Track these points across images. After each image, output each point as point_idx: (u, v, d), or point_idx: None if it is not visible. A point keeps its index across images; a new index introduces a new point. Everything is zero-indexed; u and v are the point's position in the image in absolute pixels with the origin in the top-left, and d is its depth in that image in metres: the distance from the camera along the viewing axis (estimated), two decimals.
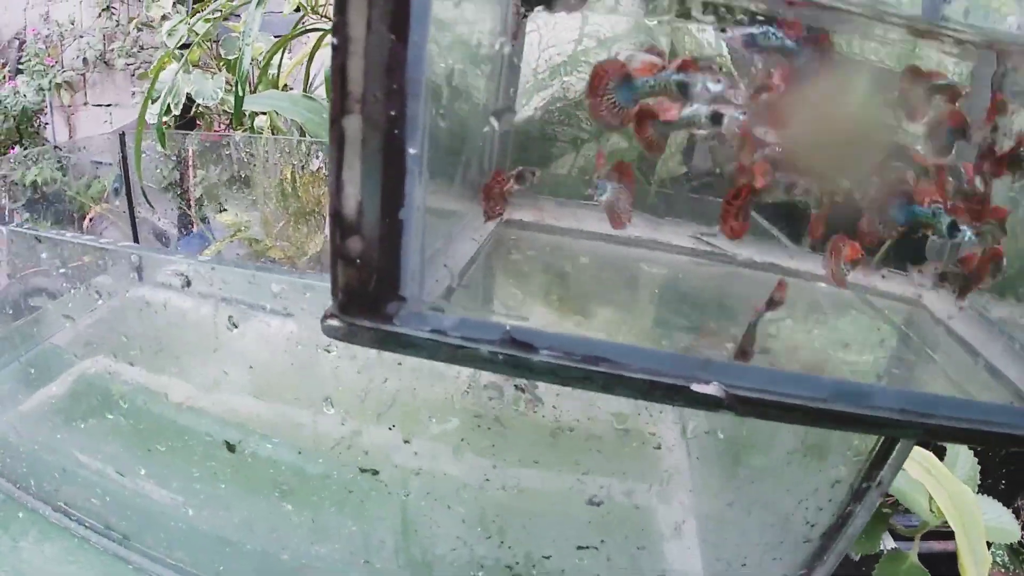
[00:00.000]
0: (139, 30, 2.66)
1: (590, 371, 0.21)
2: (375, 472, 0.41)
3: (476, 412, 0.39)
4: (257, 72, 1.26)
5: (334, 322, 0.22)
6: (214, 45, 1.43)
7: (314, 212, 1.08)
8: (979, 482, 0.69)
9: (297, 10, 1.21)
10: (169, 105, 1.11)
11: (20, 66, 2.84)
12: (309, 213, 1.08)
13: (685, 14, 0.28)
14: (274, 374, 0.44)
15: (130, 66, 2.71)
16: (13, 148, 2.61)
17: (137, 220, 1.16)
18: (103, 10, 2.71)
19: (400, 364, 0.38)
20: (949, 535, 0.59)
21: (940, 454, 0.65)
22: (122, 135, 1.08)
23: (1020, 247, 0.28)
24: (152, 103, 1.09)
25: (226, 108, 1.51)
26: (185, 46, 1.22)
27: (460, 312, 0.22)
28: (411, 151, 0.20)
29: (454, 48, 0.29)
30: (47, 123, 2.88)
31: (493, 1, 0.32)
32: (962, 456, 0.70)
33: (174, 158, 1.12)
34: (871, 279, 0.31)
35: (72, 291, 0.48)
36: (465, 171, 0.34)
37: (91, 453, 0.54)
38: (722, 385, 0.20)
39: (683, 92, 0.24)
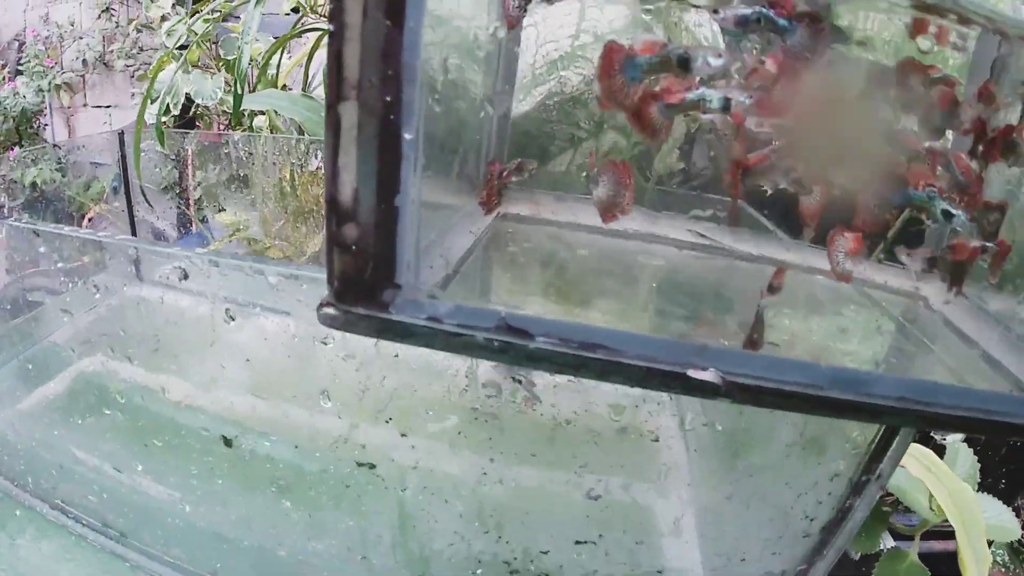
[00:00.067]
0: (138, 31, 2.67)
1: (586, 358, 0.21)
2: (372, 466, 0.41)
3: (474, 407, 0.39)
4: (256, 72, 1.26)
5: (330, 310, 0.22)
6: (213, 46, 1.43)
7: (313, 212, 1.08)
8: (979, 480, 0.69)
9: (296, 11, 1.21)
10: (168, 105, 1.11)
11: (20, 67, 2.84)
12: (308, 213, 1.08)
13: None
14: (271, 368, 0.44)
15: (129, 67, 2.72)
16: (12, 149, 2.62)
17: (136, 220, 1.16)
18: (103, 11, 2.71)
19: (397, 356, 0.38)
20: (949, 535, 0.59)
21: (940, 452, 0.65)
22: (121, 134, 1.08)
23: (1019, 239, 0.28)
24: (151, 103, 1.09)
25: (225, 108, 1.51)
26: (184, 47, 1.22)
27: (456, 301, 0.22)
28: (407, 136, 0.20)
29: (450, 36, 0.29)
30: (46, 124, 2.88)
31: None
32: (962, 454, 0.70)
33: (173, 158, 1.12)
34: (870, 271, 0.31)
35: (71, 285, 0.47)
36: (462, 165, 0.34)
37: (89, 450, 0.54)
38: (719, 372, 0.20)
39: (684, 67, 0.24)
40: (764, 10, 0.23)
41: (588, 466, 0.39)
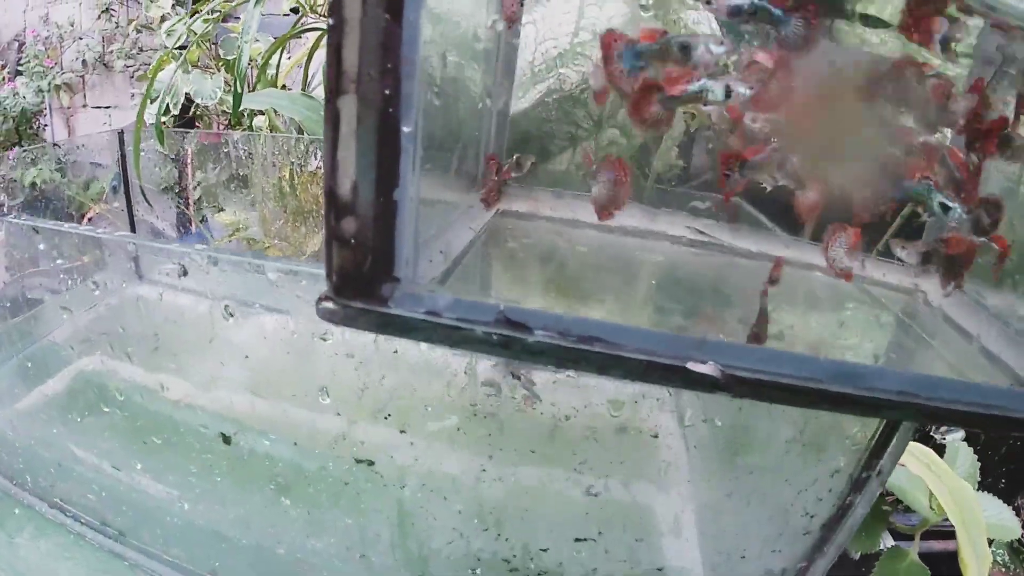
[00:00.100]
0: (138, 32, 2.67)
1: (585, 351, 0.21)
2: (371, 463, 0.40)
3: (472, 401, 0.39)
4: (255, 72, 1.26)
5: (329, 305, 0.22)
6: (213, 46, 1.43)
7: (312, 211, 1.08)
8: (979, 480, 0.69)
9: (295, 11, 1.22)
10: (168, 105, 1.11)
11: (19, 67, 2.84)
12: (307, 212, 1.08)
13: None
14: (270, 366, 0.44)
15: (129, 68, 2.72)
16: (12, 150, 2.62)
17: (136, 220, 1.15)
18: (102, 12, 2.72)
19: (396, 352, 0.38)
20: (949, 535, 0.59)
21: (940, 452, 0.65)
22: (120, 133, 1.08)
23: (1018, 237, 0.28)
24: (151, 103, 1.09)
25: (225, 108, 1.51)
26: (184, 47, 1.22)
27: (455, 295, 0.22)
28: (405, 130, 0.20)
29: (449, 30, 0.29)
30: (46, 125, 2.88)
31: None
32: (962, 453, 0.70)
33: (172, 157, 1.12)
34: (870, 268, 0.31)
35: (70, 282, 0.47)
36: (461, 162, 0.34)
37: (87, 448, 0.54)
38: (718, 365, 0.20)
39: (686, 55, 0.24)
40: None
41: (587, 463, 0.39)
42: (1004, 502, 0.66)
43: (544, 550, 0.40)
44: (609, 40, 0.25)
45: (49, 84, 2.79)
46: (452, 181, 0.33)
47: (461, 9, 0.31)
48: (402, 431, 0.40)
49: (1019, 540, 0.68)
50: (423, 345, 0.41)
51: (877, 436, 0.31)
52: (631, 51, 0.24)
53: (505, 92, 0.36)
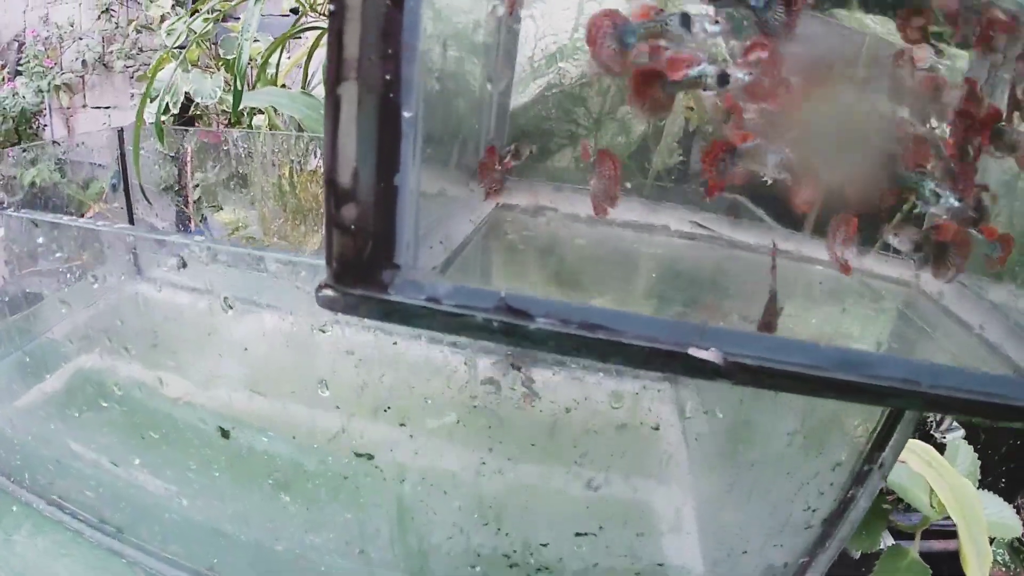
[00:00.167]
0: (138, 32, 2.67)
1: (587, 338, 0.21)
2: (370, 456, 0.40)
3: (472, 395, 0.39)
4: (255, 71, 1.26)
5: (329, 292, 0.22)
6: (213, 45, 1.43)
7: (312, 210, 1.08)
8: (979, 479, 0.68)
9: (295, 11, 1.22)
10: (167, 104, 1.11)
11: (19, 68, 2.84)
12: (307, 211, 1.08)
13: None
14: (269, 362, 0.44)
15: (129, 68, 2.72)
16: (11, 148, 2.61)
17: (136, 219, 1.15)
18: (102, 12, 2.72)
19: (396, 344, 0.38)
20: (950, 534, 0.59)
21: (940, 451, 0.65)
22: (120, 131, 1.08)
23: (1017, 232, 0.28)
24: (150, 102, 1.09)
25: (224, 108, 1.51)
26: (183, 46, 1.22)
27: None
28: (406, 115, 0.20)
29: (449, 17, 0.29)
30: (46, 125, 2.88)
31: None
32: (962, 452, 0.69)
33: (172, 156, 1.12)
34: (869, 261, 0.31)
35: (69, 277, 0.47)
36: (461, 154, 0.34)
37: (86, 445, 0.54)
38: (721, 352, 0.20)
39: (685, 25, 0.24)
40: None
41: (588, 456, 0.39)
42: (1005, 500, 0.65)
43: (544, 545, 0.40)
44: (596, 22, 0.25)
45: (49, 84, 2.79)
46: (452, 174, 0.33)
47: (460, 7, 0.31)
48: (402, 424, 0.39)
49: (1019, 539, 0.68)
50: (423, 341, 0.41)
51: (879, 428, 0.31)
52: (626, 29, 0.24)
53: (505, 82, 0.36)
